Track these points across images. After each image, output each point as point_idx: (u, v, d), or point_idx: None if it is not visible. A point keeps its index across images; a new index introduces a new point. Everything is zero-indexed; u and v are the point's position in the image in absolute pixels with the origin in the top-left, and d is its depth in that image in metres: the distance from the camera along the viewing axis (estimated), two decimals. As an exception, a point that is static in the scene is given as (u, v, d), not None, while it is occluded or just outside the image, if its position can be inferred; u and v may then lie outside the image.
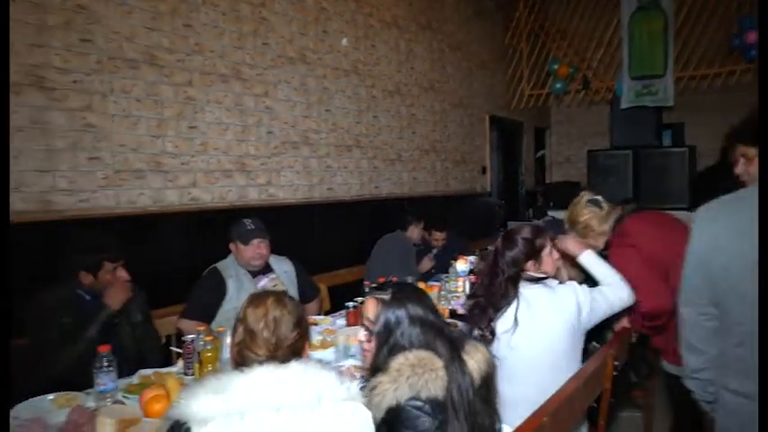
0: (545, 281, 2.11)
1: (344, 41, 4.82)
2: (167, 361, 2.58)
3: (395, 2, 5.52)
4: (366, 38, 5.11)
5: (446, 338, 1.49)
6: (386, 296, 1.52)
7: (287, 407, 1.19)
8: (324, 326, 2.84)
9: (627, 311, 2.27)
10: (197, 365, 2.16)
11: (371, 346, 1.51)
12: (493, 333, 2.01)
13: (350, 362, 2.30)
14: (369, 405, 1.35)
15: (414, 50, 5.82)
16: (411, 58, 5.78)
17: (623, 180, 6.84)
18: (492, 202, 7.47)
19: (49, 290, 2.34)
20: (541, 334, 2.01)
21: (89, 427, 1.69)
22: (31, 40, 2.76)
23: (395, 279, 2.08)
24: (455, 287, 3.40)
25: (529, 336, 1.99)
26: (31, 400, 1.92)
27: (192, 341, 2.20)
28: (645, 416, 3.07)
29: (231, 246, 2.89)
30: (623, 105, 6.93)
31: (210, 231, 3.47)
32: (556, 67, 7.62)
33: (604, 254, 2.55)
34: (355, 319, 2.77)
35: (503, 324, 2.01)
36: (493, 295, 2.06)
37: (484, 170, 7.32)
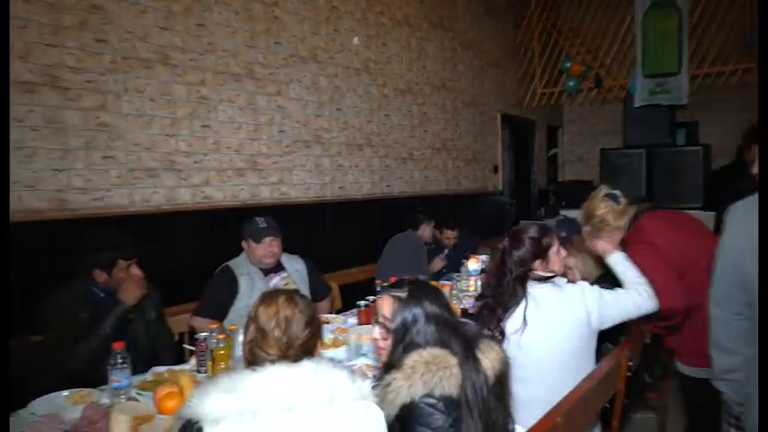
0: (553, 280, 2.10)
1: (356, 40, 4.82)
2: (180, 358, 2.60)
3: (406, 0, 5.51)
4: (377, 36, 5.11)
5: (461, 336, 1.49)
6: (402, 294, 1.51)
7: (299, 406, 1.19)
8: (335, 324, 2.84)
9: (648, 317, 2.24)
10: (210, 363, 2.17)
11: (387, 343, 1.51)
12: (502, 333, 2.00)
13: (361, 360, 2.30)
14: (382, 402, 1.35)
15: (425, 49, 5.81)
16: (422, 57, 5.77)
17: (636, 179, 6.78)
18: (504, 201, 7.44)
19: (63, 288, 2.37)
20: (550, 333, 2.00)
21: (103, 424, 1.70)
22: (47, 41, 2.79)
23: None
24: (467, 286, 3.38)
25: (538, 335, 1.98)
26: (46, 396, 1.94)
27: (205, 339, 2.21)
28: (659, 417, 3.04)
29: (243, 244, 2.90)
30: (636, 104, 6.87)
31: (223, 230, 3.49)
32: (568, 65, 7.57)
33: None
34: (367, 317, 2.77)
35: (512, 324, 2.01)
36: (501, 295, 2.05)
37: (496, 169, 7.29)
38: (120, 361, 1.93)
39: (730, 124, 5.89)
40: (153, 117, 3.27)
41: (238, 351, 2.08)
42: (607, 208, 2.53)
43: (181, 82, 3.42)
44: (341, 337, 2.58)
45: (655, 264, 2.28)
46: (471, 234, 4.77)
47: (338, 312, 3.31)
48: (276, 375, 1.24)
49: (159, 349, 2.53)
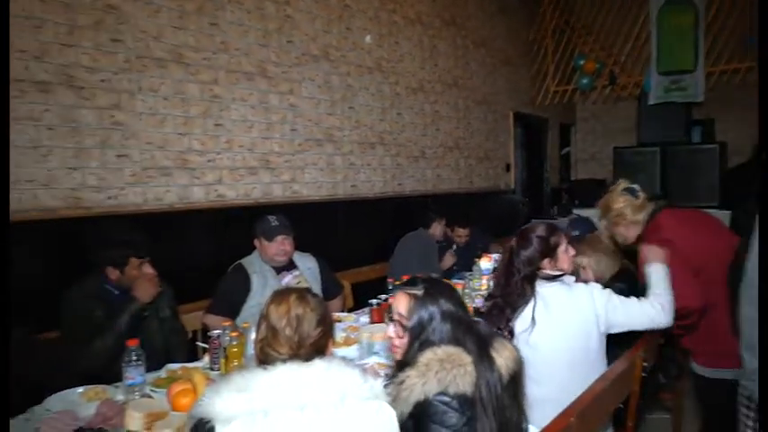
0: (562, 278, 2.09)
1: (368, 38, 4.81)
2: (193, 356, 2.62)
3: (419, -2, 5.51)
4: (390, 35, 5.10)
5: (475, 335, 1.48)
6: (418, 291, 1.51)
7: (311, 405, 1.19)
8: (347, 323, 2.85)
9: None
10: (223, 360, 2.18)
11: (402, 341, 1.50)
12: (512, 333, 2.00)
13: (373, 359, 2.30)
14: (396, 399, 1.35)
15: (437, 47, 5.79)
16: (435, 55, 5.75)
17: (651, 178, 6.70)
18: (516, 200, 7.40)
19: (77, 285, 2.39)
20: (559, 332, 1.99)
21: (118, 420, 1.72)
22: (62, 40, 2.82)
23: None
24: (479, 285, 3.37)
25: (547, 334, 1.98)
26: (61, 392, 1.96)
27: (218, 336, 2.22)
28: (673, 418, 3.01)
29: (255, 242, 2.91)
30: (651, 101, 6.79)
31: (235, 228, 3.51)
32: (582, 62, 7.51)
33: (635, 248, 2.50)
34: (379, 316, 2.77)
35: (521, 323, 2.01)
36: (509, 295, 2.05)
37: (508, 167, 7.25)
38: (134, 358, 1.95)
39: (747, 121, 5.81)
40: (166, 116, 3.29)
41: (251, 349, 2.09)
42: (625, 202, 2.50)
43: (194, 81, 3.44)
44: (353, 336, 2.59)
45: (670, 261, 2.26)
46: (483, 233, 4.75)
47: (350, 311, 3.31)
48: (288, 374, 1.24)
49: (173, 347, 2.55)
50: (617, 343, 2.25)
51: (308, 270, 3.03)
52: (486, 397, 1.37)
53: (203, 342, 2.53)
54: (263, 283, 2.82)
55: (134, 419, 1.70)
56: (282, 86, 4.02)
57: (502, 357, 1.47)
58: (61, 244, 2.79)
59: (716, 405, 2.45)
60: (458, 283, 3.32)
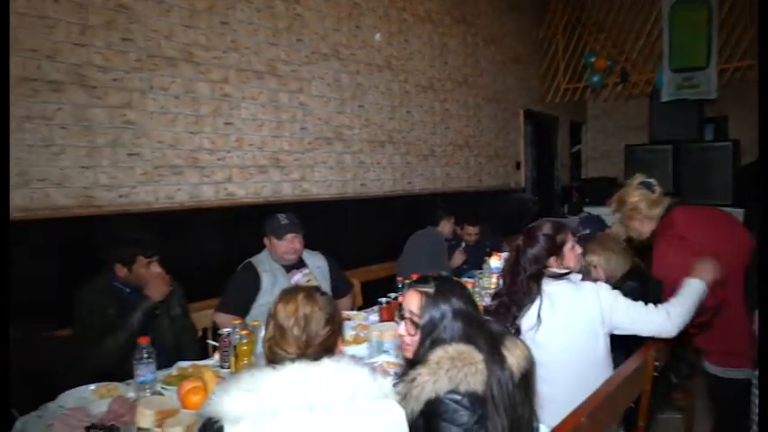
0: (568, 276, 2.08)
1: (378, 36, 4.81)
2: (204, 354, 2.63)
3: (428, -4, 5.49)
4: (399, 32, 5.09)
5: (486, 333, 1.48)
6: (430, 289, 1.50)
7: (319, 405, 1.19)
8: (357, 321, 2.85)
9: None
10: (233, 358, 2.19)
11: (413, 339, 1.50)
12: (518, 331, 2.00)
13: (383, 357, 2.30)
14: (407, 397, 1.35)
15: (447, 45, 5.77)
16: (444, 53, 5.73)
17: (663, 176, 6.62)
18: (526, 198, 7.37)
19: (89, 283, 2.41)
20: (565, 330, 1.99)
21: (129, 417, 1.73)
22: (75, 40, 2.84)
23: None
24: (489, 283, 3.36)
25: (553, 332, 1.97)
26: (74, 389, 1.97)
27: (228, 335, 2.23)
28: (685, 418, 2.98)
29: (265, 240, 2.92)
30: (663, 98, 6.74)
31: (245, 226, 3.52)
32: (593, 59, 7.46)
33: (649, 243, 2.48)
34: (388, 314, 2.77)
35: (527, 322, 2.01)
36: (515, 293, 2.05)
37: (518, 165, 7.22)
38: (145, 356, 1.96)
39: (761, 119, 5.71)
40: (177, 115, 3.31)
41: (261, 347, 2.10)
42: (641, 196, 2.47)
43: (204, 80, 3.45)
44: (362, 334, 2.59)
45: (683, 258, 2.23)
46: (493, 231, 4.73)
47: (359, 309, 3.31)
48: (296, 374, 1.24)
49: (183, 344, 2.56)
50: (622, 346, 2.24)
51: (317, 268, 3.03)
52: (497, 395, 1.37)
53: (213, 340, 2.55)
54: (272, 282, 2.83)
55: (145, 417, 1.71)
56: (292, 85, 4.03)
57: (513, 356, 1.46)
58: (73, 242, 2.81)
59: (728, 404, 2.44)
60: (468, 282, 3.32)
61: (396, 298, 2.85)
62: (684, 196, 6.20)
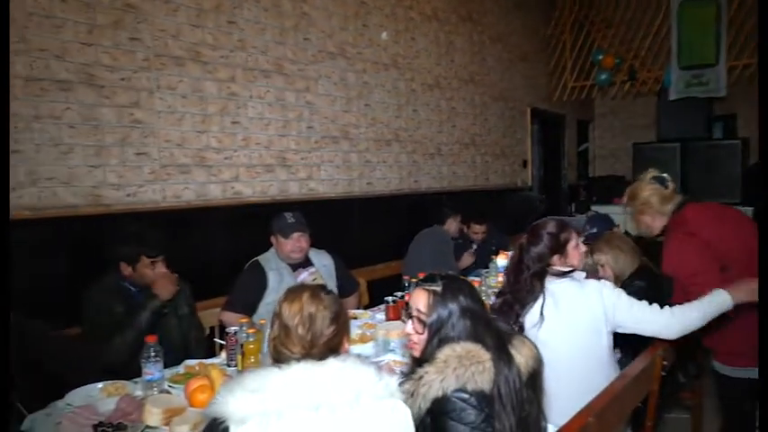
0: (572, 274, 2.08)
1: (384, 35, 4.80)
2: (211, 352, 2.64)
3: (435, -6, 5.48)
4: (406, 31, 5.08)
5: (494, 331, 1.48)
6: (437, 288, 1.50)
7: (325, 405, 1.18)
8: (363, 320, 2.85)
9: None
10: (240, 357, 2.19)
11: (421, 338, 1.50)
12: (521, 329, 2.00)
13: (389, 356, 2.30)
14: (414, 395, 1.35)
15: (454, 43, 5.76)
16: (451, 51, 5.72)
17: (670, 174, 6.50)
18: (533, 197, 7.34)
19: (96, 282, 2.42)
20: (568, 328, 1.99)
21: (137, 416, 1.74)
22: (83, 39, 2.85)
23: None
24: (495, 282, 3.36)
25: (556, 330, 1.97)
26: (82, 388, 1.98)
27: (235, 333, 2.24)
28: (693, 417, 2.97)
29: (272, 239, 2.93)
30: (672, 96, 6.71)
31: (252, 225, 3.52)
32: (600, 57, 7.42)
33: (659, 240, 2.46)
34: (395, 313, 2.77)
35: (530, 319, 2.01)
36: (518, 291, 2.06)
37: (525, 164, 7.20)
38: (153, 354, 1.97)
39: (770, 117, 5.67)
40: (184, 114, 3.32)
41: (267, 345, 2.10)
42: (653, 190, 2.45)
43: (211, 79, 3.46)
44: (369, 333, 2.59)
45: (694, 255, 2.21)
46: (500, 230, 4.72)
47: (366, 308, 3.31)
48: (301, 374, 1.23)
49: (191, 343, 2.57)
50: (630, 346, 2.23)
51: (323, 267, 3.03)
52: (504, 394, 1.37)
53: (221, 339, 2.55)
54: (279, 280, 2.83)
55: (152, 415, 1.72)
56: (299, 84, 4.03)
57: (521, 355, 1.46)
58: (81, 241, 2.83)
59: (736, 404, 2.42)
60: (474, 281, 3.31)
61: (402, 297, 2.85)
62: (692, 195, 6.16)
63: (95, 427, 1.67)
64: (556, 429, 1.54)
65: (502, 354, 1.42)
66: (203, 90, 3.41)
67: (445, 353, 1.40)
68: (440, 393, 1.34)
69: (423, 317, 1.49)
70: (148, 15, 3.12)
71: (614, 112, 9.02)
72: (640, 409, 2.06)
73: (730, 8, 6.46)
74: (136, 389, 2.00)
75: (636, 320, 2.02)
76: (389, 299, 2.89)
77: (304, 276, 2.94)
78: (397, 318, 2.66)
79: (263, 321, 2.37)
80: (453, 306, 1.47)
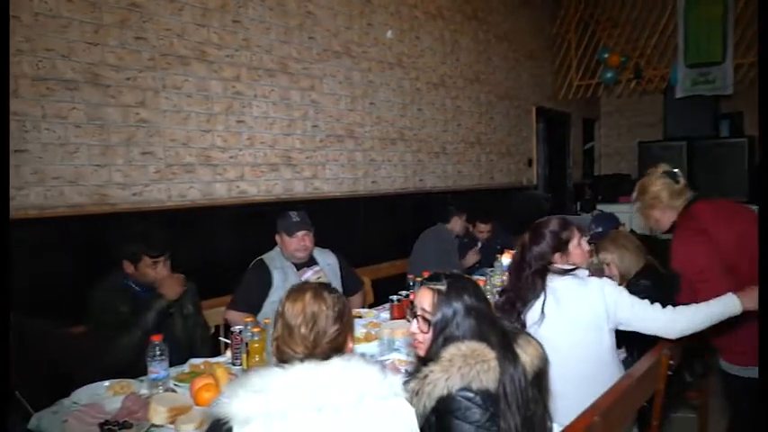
0: (574, 272, 2.07)
1: (389, 34, 4.80)
2: (216, 351, 2.65)
3: (440, -7, 5.47)
4: (411, 30, 5.08)
5: (499, 330, 1.48)
6: (442, 287, 1.50)
7: (328, 406, 1.17)
8: (368, 319, 2.85)
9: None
10: (245, 356, 2.20)
11: (426, 337, 1.49)
12: (523, 326, 2.01)
13: (394, 355, 2.30)
14: (419, 394, 1.35)
15: (459, 41, 5.75)
16: (456, 50, 5.71)
17: (677, 173, 6.58)
18: (538, 196, 7.32)
19: (101, 280, 2.43)
20: (570, 325, 1.99)
21: (142, 414, 1.74)
22: (88, 39, 2.86)
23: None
24: (500, 281, 3.35)
25: (557, 327, 1.97)
26: (88, 386, 1.99)
27: (240, 332, 2.24)
28: (699, 417, 2.96)
29: (277, 237, 2.93)
30: (678, 95, 6.67)
31: (257, 224, 3.53)
32: (606, 55, 7.39)
33: (664, 239, 2.44)
34: (400, 312, 2.77)
35: (531, 317, 2.02)
36: (520, 289, 2.07)
37: (530, 163, 7.18)
38: (158, 353, 1.97)
39: (778, 115, 5.63)
40: (189, 113, 3.33)
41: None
42: (663, 185, 2.41)
43: (217, 78, 3.47)
44: (373, 332, 2.59)
45: (701, 252, 2.19)
46: (505, 229, 4.71)
47: (370, 307, 3.31)
48: (305, 374, 1.22)
49: (196, 342, 2.58)
50: (635, 345, 2.22)
51: (327, 266, 3.04)
52: (510, 393, 1.36)
53: (226, 337, 2.56)
54: (283, 279, 2.83)
55: (158, 413, 1.73)
56: (304, 83, 4.04)
57: (526, 354, 1.46)
58: (87, 240, 2.84)
59: (744, 403, 2.41)
60: (479, 280, 3.30)
61: (407, 296, 2.85)
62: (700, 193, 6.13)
63: (101, 425, 1.68)
64: (562, 429, 1.54)
65: (507, 353, 1.42)
66: (208, 89, 3.42)
67: (450, 352, 1.40)
68: (445, 392, 1.34)
69: (427, 316, 1.49)
70: (154, 15, 3.13)
71: (620, 111, 8.99)
72: (646, 408, 2.05)
73: (737, 6, 6.42)
74: (141, 387, 2.01)
75: (637, 318, 2.01)
76: (394, 298, 2.89)
77: (308, 275, 2.94)
78: (402, 316, 2.66)
79: (267, 320, 2.37)
80: (458, 305, 1.47)
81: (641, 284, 2.52)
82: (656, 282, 2.52)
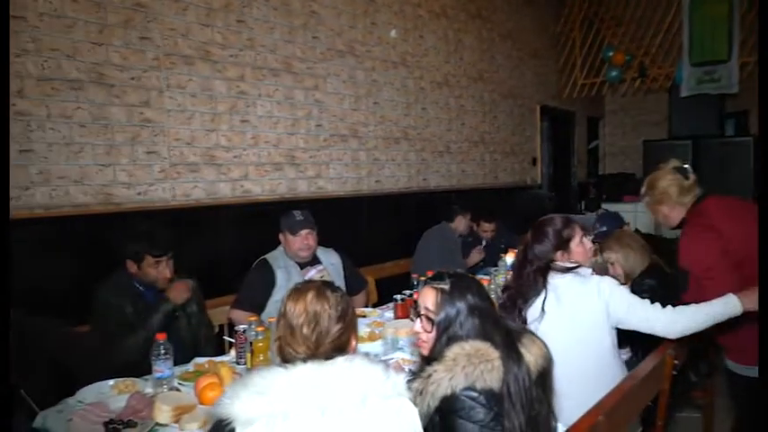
0: (577, 270, 2.07)
1: (393, 33, 4.80)
2: (220, 350, 2.65)
3: (444, -8, 5.46)
4: (415, 29, 5.07)
5: (503, 330, 1.48)
6: (446, 286, 1.50)
7: (331, 407, 1.17)
8: (372, 318, 2.85)
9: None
10: (249, 355, 2.20)
11: (429, 336, 1.49)
12: (524, 322, 2.01)
13: (398, 354, 2.30)
14: (423, 393, 1.34)
15: (463, 40, 5.74)
16: (460, 49, 5.70)
17: (683, 171, 6.55)
18: (542, 195, 7.31)
19: (106, 280, 2.44)
20: (571, 322, 1.99)
21: (147, 413, 1.75)
22: (93, 39, 2.87)
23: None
24: (504, 281, 3.34)
25: (557, 324, 1.97)
26: (93, 385, 2.00)
27: (245, 331, 2.25)
28: (704, 417, 2.95)
29: (280, 236, 2.93)
30: (683, 93, 6.64)
31: (261, 223, 3.53)
32: (611, 54, 7.36)
33: (669, 238, 2.42)
34: (403, 311, 2.77)
35: (531, 313, 2.02)
36: (521, 286, 2.08)
37: (534, 162, 7.17)
38: (162, 352, 1.98)
39: (783, 114, 5.61)
40: (194, 113, 3.33)
41: (275, 344, 2.11)
42: (673, 181, 2.38)
43: (221, 77, 3.47)
44: (377, 331, 2.58)
45: (709, 249, 2.18)
46: (509, 228, 4.71)
47: (374, 306, 3.32)
48: (307, 374, 1.21)
49: (200, 341, 2.58)
50: (640, 344, 2.21)
51: (331, 265, 3.04)
52: (514, 392, 1.36)
53: (230, 337, 2.56)
54: (287, 278, 2.84)
55: (162, 412, 1.73)
56: (308, 82, 4.04)
57: (530, 353, 1.45)
58: (92, 239, 2.85)
59: (750, 403, 2.39)
60: (483, 279, 3.30)
61: (411, 295, 2.85)
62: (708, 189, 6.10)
63: (106, 424, 1.68)
64: (563, 428, 1.54)
65: (511, 352, 1.42)
66: (213, 89, 3.43)
67: (454, 351, 1.40)
68: (449, 391, 1.34)
69: (431, 315, 1.49)
70: (158, 14, 3.14)
71: (625, 110, 8.96)
72: (651, 407, 2.05)
73: (743, 4, 6.39)
74: (146, 386, 2.01)
75: (638, 317, 2.00)
76: (398, 297, 2.89)
77: (312, 274, 2.94)
78: (406, 316, 2.66)
79: (271, 319, 2.37)
80: (461, 304, 1.47)
81: (646, 284, 2.51)
82: (661, 281, 2.51)
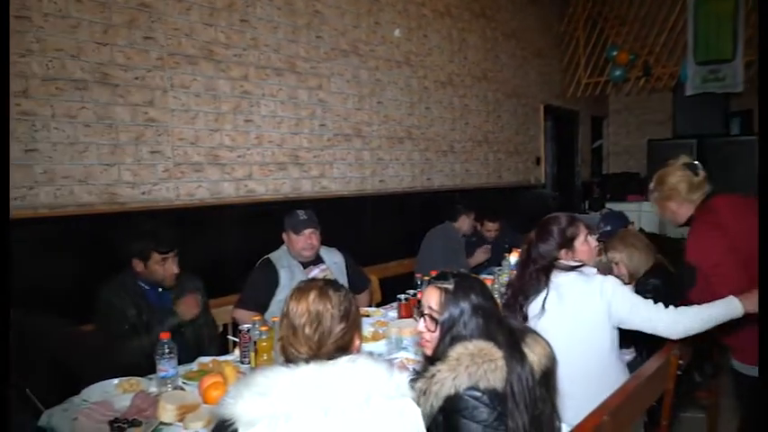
0: (581, 269, 2.06)
1: (397, 32, 4.79)
2: (224, 349, 2.66)
3: (447, -9, 5.46)
4: (418, 28, 5.07)
5: (507, 329, 1.47)
6: (449, 286, 1.50)
7: (334, 408, 1.16)
8: (376, 318, 2.85)
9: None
10: (253, 354, 2.20)
11: (433, 336, 1.49)
12: (525, 318, 2.02)
13: (402, 354, 2.30)
14: (427, 393, 1.34)
15: (467, 40, 5.74)
16: (464, 48, 5.70)
17: (687, 171, 6.53)
18: (546, 194, 7.30)
19: (111, 279, 2.45)
20: (572, 320, 1.98)
21: (151, 412, 1.75)
22: (97, 39, 2.88)
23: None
24: (507, 280, 3.33)
25: (558, 322, 1.96)
26: (97, 384, 2.01)
27: (249, 330, 2.25)
28: (709, 417, 2.94)
29: (284, 235, 2.93)
30: (688, 92, 6.61)
31: (265, 223, 3.54)
32: (615, 53, 7.34)
33: (673, 238, 2.41)
34: (407, 311, 2.77)
35: (532, 310, 2.03)
36: (524, 284, 2.08)
37: (538, 161, 7.16)
38: (167, 351, 1.98)
39: (789, 113, 5.58)
40: (198, 112, 3.34)
41: (279, 343, 2.11)
42: (682, 177, 2.35)
43: (225, 77, 3.48)
44: (381, 331, 2.58)
45: (717, 246, 2.17)
46: (513, 228, 4.70)
47: (378, 306, 3.31)
48: (310, 375, 1.20)
49: (204, 340, 2.59)
50: (644, 345, 2.20)
51: (334, 264, 3.04)
52: (517, 392, 1.36)
53: (234, 336, 2.57)
54: (290, 278, 2.84)
55: (167, 411, 1.73)
56: (311, 82, 4.04)
57: (534, 353, 1.45)
58: (97, 239, 2.86)
59: (756, 403, 2.38)
60: (487, 279, 3.30)
61: (414, 294, 2.85)
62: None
63: (111, 422, 1.69)
64: (567, 428, 1.53)
65: (514, 352, 1.41)
66: (216, 88, 3.43)
67: (458, 351, 1.39)
68: (452, 391, 1.34)
69: (435, 315, 1.49)
70: (162, 14, 3.14)
71: (629, 109, 8.93)
72: (655, 408, 2.04)
73: (747, 2, 6.36)
74: (150, 385, 2.02)
75: (641, 318, 1.99)
76: (402, 296, 2.89)
77: (315, 273, 2.94)
78: (410, 315, 2.66)
79: (275, 319, 2.38)
80: (465, 304, 1.47)
81: (650, 283, 2.50)
82: (665, 281, 2.50)
